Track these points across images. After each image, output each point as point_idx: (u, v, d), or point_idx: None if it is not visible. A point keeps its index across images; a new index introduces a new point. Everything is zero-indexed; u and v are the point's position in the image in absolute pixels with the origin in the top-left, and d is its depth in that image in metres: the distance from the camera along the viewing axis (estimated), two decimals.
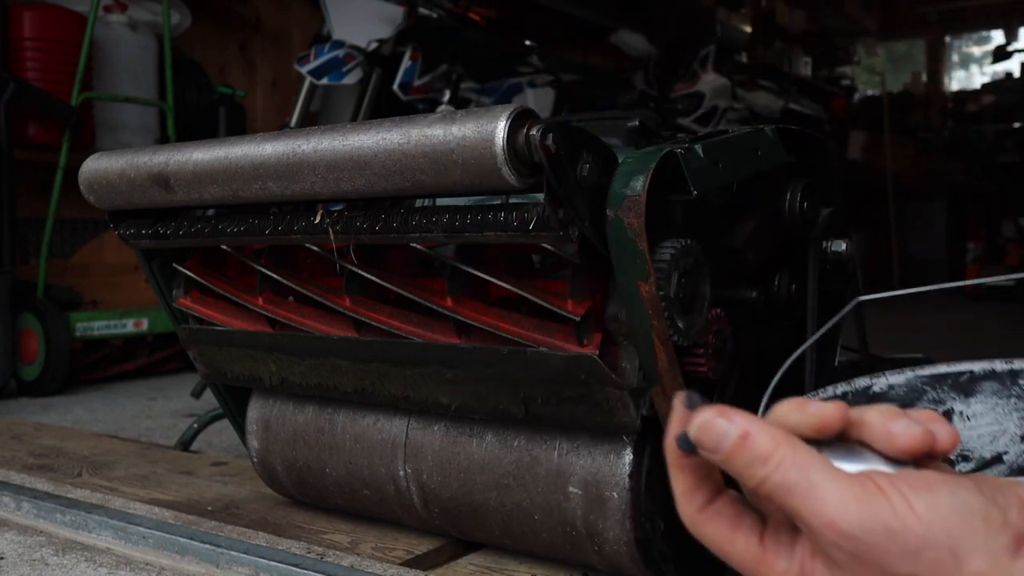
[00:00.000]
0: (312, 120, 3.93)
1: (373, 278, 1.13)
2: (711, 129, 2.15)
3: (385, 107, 3.81)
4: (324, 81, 3.65)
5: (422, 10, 3.84)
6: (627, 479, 1.04)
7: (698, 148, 0.96)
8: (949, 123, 8.91)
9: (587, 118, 1.12)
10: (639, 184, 0.90)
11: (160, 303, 1.39)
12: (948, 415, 0.95)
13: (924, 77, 10.56)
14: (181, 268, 1.31)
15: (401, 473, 1.22)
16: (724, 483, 0.47)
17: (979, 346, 3.84)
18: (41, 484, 1.55)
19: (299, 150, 1.01)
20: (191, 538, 1.27)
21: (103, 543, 1.34)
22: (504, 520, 1.14)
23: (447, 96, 3.93)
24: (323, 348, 1.19)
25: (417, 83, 3.86)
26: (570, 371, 0.98)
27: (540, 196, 0.89)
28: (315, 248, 1.17)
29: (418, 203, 1.10)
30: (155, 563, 1.26)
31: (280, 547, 1.22)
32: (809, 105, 8.60)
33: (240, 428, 1.45)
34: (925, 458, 0.44)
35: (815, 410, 0.44)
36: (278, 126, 3.98)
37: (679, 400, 0.44)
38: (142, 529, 1.31)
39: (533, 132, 0.86)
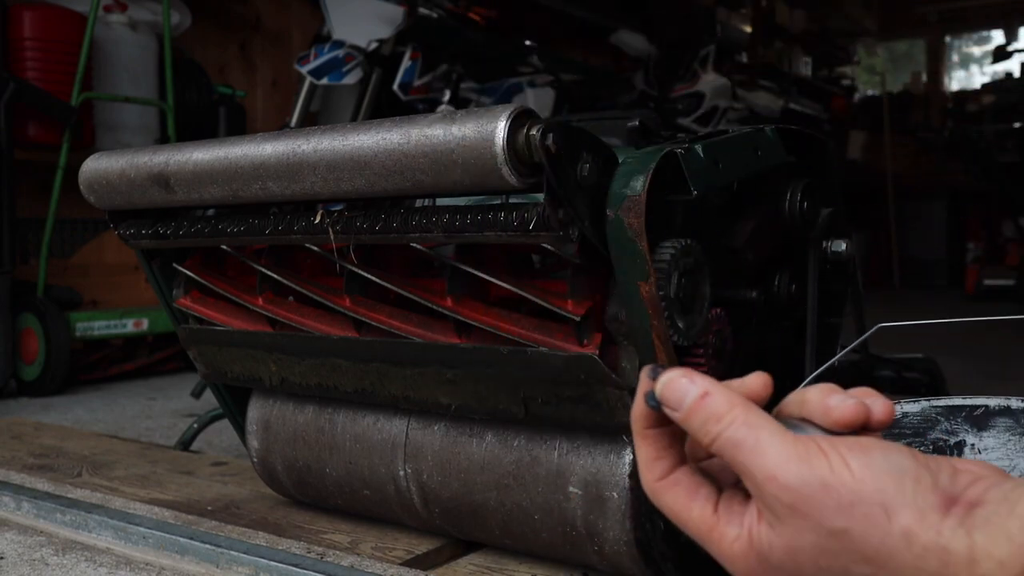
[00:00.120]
0: (312, 120, 3.93)
1: (373, 278, 1.13)
2: (711, 129, 2.16)
3: (385, 107, 3.81)
4: (324, 81, 3.65)
5: (422, 10, 3.84)
6: (627, 479, 1.04)
7: (698, 148, 0.96)
8: (949, 123, 8.91)
9: (587, 118, 1.12)
10: (639, 184, 0.90)
11: (160, 303, 1.39)
12: (960, 447, 0.96)
13: (924, 77, 10.56)
14: (181, 268, 1.31)
15: (401, 473, 1.22)
16: (683, 458, 0.50)
17: (979, 346, 3.84)
18: (41, 484, 1.55)
19: (299, 150, 1.01)
20: (191, 538, 1.27)
21: (103, 543, 1.34)
22: (504, 520, 1.14)
23: (447, 96, 3.93)
24: (323, 348, 1.19)
25: (417, 83, 3.86)
26: (570, 371, 0.98)
27: (540, 196, 0.89)
28: (315, 248, 1.17)
29: (418, 203, 1.10)
30: (155, 563, 1.26)
31: (280, 547, 1.23)
32: (809, 105, 8.60)
33: (240, 428, 1.45)
34: (862, 430, 0.47)
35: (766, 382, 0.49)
36: (278, 126, 3.98)
37: (644, 372, 0.48)
38: (142, 529, 1.32)
39: (533, 132, 0.86)
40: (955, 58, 11.10)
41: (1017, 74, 8.34)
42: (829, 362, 0.62)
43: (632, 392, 0.97)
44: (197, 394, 2.42)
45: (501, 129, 0.86)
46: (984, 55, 10.62)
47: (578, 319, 0.98)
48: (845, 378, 0.97)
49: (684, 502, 0.48)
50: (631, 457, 1.04)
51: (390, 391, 1.16)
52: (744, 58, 7.97)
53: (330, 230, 1.07)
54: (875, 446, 0.44)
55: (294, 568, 1.16)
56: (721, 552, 0.47)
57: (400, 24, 3.75)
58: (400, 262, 1.23)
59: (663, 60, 6.21)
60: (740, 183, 1.12)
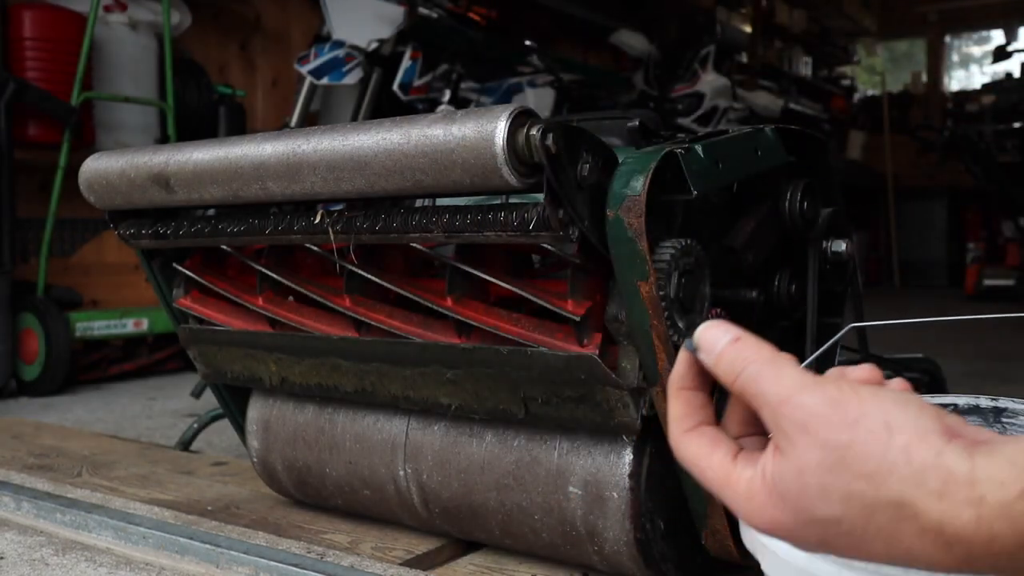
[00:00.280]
0: (312, 120, 3.93)
1: (373, 278, 1.13)
2: (711, 129, 2.15)
3: (385, 107, 3.81)
4: (324, 81, 3.66)
5: (422, 10, 3.84)
6: (627, 479, 1.04)
7: (698, 148, 0.96)
8: (949, 123, 8.91)
9: (587, 118, 1.12)
10: (639, 184, 0.90)
11: (160, 303, 1.39)
12: None
13: (924, 77, 10.56)
14: (181, 268, 1.31)
15: (401, 473, 1.22)
16: (712, 421, 0.53)
17: (978, 347, 3.84)
18: (41, 484, 1.55)
19: (299, 150, 1.01)
20: (191, 538, 1.27)
21: (103, 543, 1.34)
22: (504, 520, 1.14)
23: (447, 96, 3.93)
24: (323, 348, 1.19)
25: (417, 83, 3.86)
26: (570, 371, 0.98)
27: (540, 196, 0.89)
28: (315, 248, 1.17)
29: (418, 203, 1.10)
30: (155, 563, 1.26)
31: (280, 547, 1.22)
32: (809, 105, 8.61)
33: (240, 428, 1.45)
34: None
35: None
36: (278, 126, 3.98)
37: (683, 344, 0.52)
38: (142, 529, 1.32)
39: (533, 132, 0.86)
40: (955, 58, 11.10)
41: (1017, 74, 8.34)
42: (804, 363, 0.63)
43: (632, 392, 0.97)
44: (197, 394, 2.41)
45: (501, 129, 0.86)
46: (984, 55, 10.62)
47: (578, 319, 0.98)
48: None
49: (707, 449, 0.50)
50: (631, 457, 1.04)
51: (390, 391, 1.16)
52: (744, 58, 7.97)
53: (330, 230, 1.07)
54: (885, 387, 0.47)
55: (294, 568, 1.16)
56: (736, 495, 0.48)
57: (400, 24, 3.75)
58: (400, 262, 1.23)
59: (663, 60, 6.21)
60: (740, 183, 1.12)
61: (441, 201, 1.08)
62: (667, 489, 1.06)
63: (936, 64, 10.47)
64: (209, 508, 1.42)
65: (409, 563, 1.19)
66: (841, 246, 1.21)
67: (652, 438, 1.04)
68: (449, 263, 1.07)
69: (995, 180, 6.63)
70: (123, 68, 3.32)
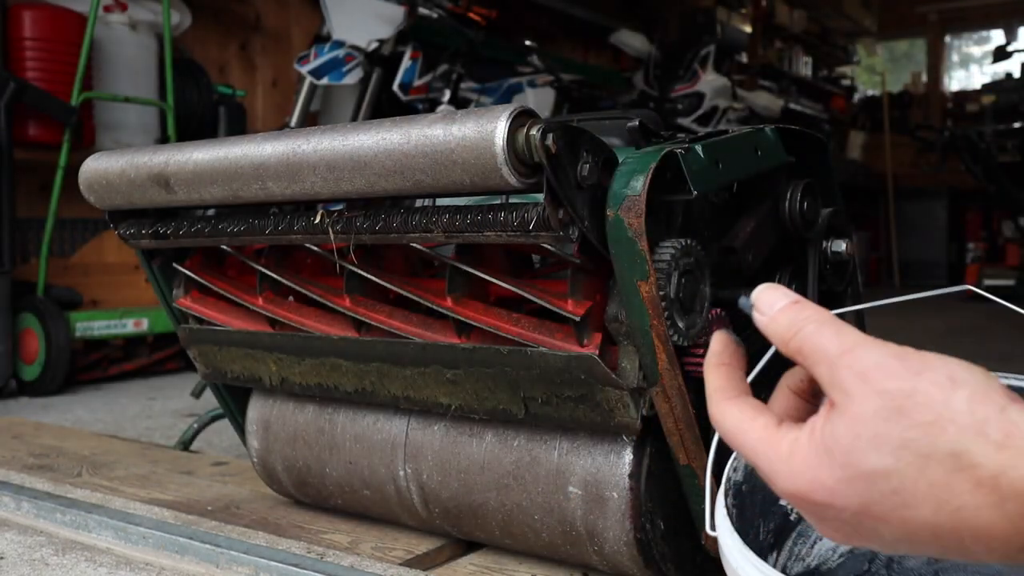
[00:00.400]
0: (312, 120, 3.93)
1: (373, 278, 1.13)
2: (711, 129, 2.15)
3: (385, 107, 3.81)
4: (324, 81, 3.66)
5: (422, 10, 3.84)
6: (627, 479, 1.04)
7: (698, 148, 0.96)
8: (949, 123, 8.92)
9: (587, 118, 1.12)
10: (639, 184, 0.90)
11: (160, 303, 1.39)
12: None
13: (924, 77, 10.56)
14: (181, 268, 1.31)
15: (401, 473, 1.22)
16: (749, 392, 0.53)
17: (979, 347, 3.85)
18: (41, 484, 1.55)
19: (299, 150, 1.01)
20: (191, 538, 1.27)
21: (103, 543, 1.34)
22: (504, 520, 1.14)
23: (447, 96, 3.94)
24: (323, 348, 1.19)
25: (417, 83, 3.87)
26: (570, 371, 0.98)
27: (540, 196, 0.89)
28: (315, 248, 1.17)
29: (418, 203, 1.10)
30: (155, 563, 1.26)
31: (280, 547, 1.22)
32: (809, 105, 8.61)
33: (240, 428, 1.45)
34: None
35: None
36: (278, 126, 3.98)
37: (739, 302, 0.54)
38: (142, 529, 1.32)
39: (533, 132, 0.85)
40: (955, 58, 11.10)
41: (1017, 74, 8.35)
42: (762, 361, 0.63)
43: (632, 392, 0.97)
44: (197, 394, 2.41)
45: (501, 129, 0.86)
46: (984, 55, 10.62)
47: (578, 319, 0.98)
48: None
49: (751, 414, 0.50)
50: (631, 457, 1.04)
51: (390, 391, 1.16)
52: (744, 58, 7.97)
53: (330, 230, 1.07)
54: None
55: (294, 568, 1.16)
56: (776, 455, 0.47)
57: (400, 24, 3.75)
58: (400, 262, 1.23)
59: (663, 60, 6.21)
60: (740, 183, 1.12)
61: (441, 201, 1.08)
62: (667, 489, 1.06)
63: (936, 64, 10.47)
64: (209, 508, 1.42)
65: (409, 563, 1.19)
66: (841, 246, 1.21)
67: (652, 438, 1.04)
68: (449, 263, 1.07)
69: (995, 180, 6.63)
70: (123, 68, 3.32)
